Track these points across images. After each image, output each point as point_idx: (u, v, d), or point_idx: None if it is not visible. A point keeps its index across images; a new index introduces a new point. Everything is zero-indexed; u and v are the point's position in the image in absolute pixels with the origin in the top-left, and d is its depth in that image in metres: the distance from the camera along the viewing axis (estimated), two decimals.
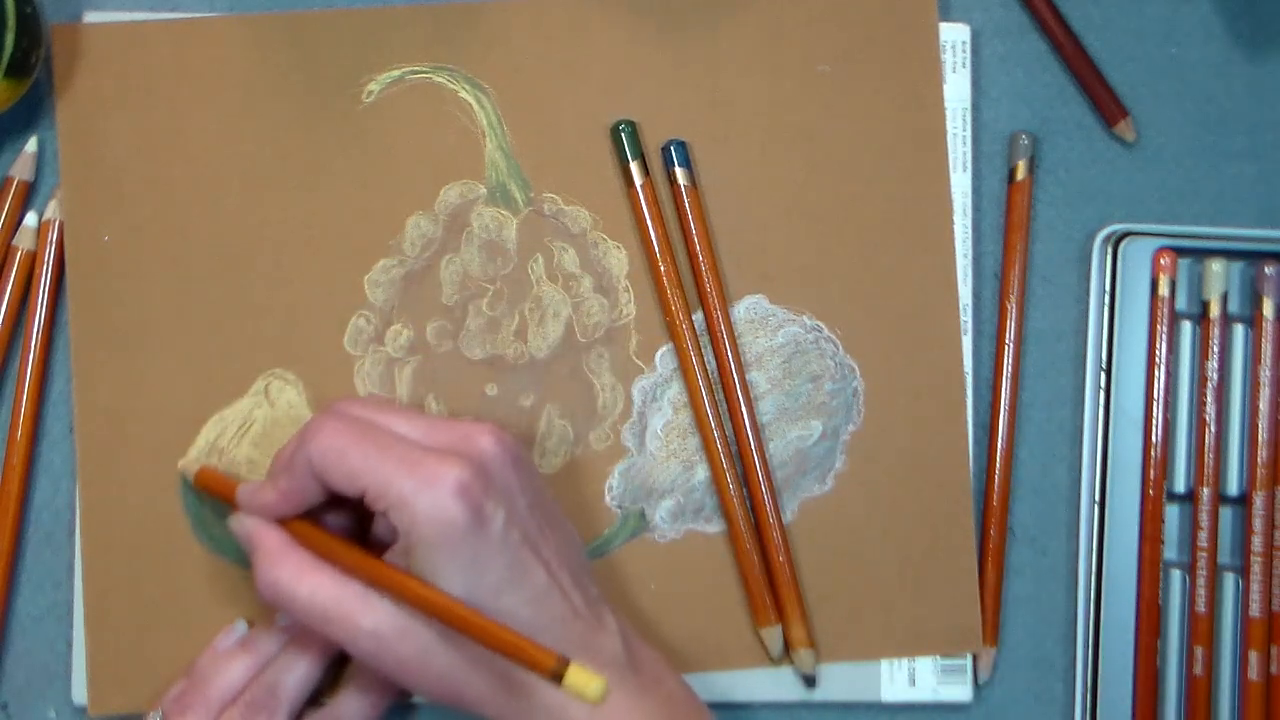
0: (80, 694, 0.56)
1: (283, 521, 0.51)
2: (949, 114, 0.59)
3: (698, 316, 0.58)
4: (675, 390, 0.58)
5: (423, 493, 0.46)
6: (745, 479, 0.57)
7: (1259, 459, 0.58)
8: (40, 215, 0.57)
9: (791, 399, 0.58)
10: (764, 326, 0.58)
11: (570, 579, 0.49)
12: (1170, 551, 0.58)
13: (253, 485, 0.51)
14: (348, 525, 0.52)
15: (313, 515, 0.51)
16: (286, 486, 0.50)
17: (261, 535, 0.50)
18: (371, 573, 0.48)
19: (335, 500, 0.50)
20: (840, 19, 0.59)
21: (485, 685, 0.48)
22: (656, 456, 0.58)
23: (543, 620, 0.48)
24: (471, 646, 0.47)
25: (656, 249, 0.57)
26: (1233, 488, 0.58)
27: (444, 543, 0.46)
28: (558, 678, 0.43)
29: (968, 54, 0.59)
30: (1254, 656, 0.57)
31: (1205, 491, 0.58)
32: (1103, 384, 0.59)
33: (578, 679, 0.42)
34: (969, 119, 0.59)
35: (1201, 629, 0.57)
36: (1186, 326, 0.59)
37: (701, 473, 0.57)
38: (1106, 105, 0.60)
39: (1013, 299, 0.59)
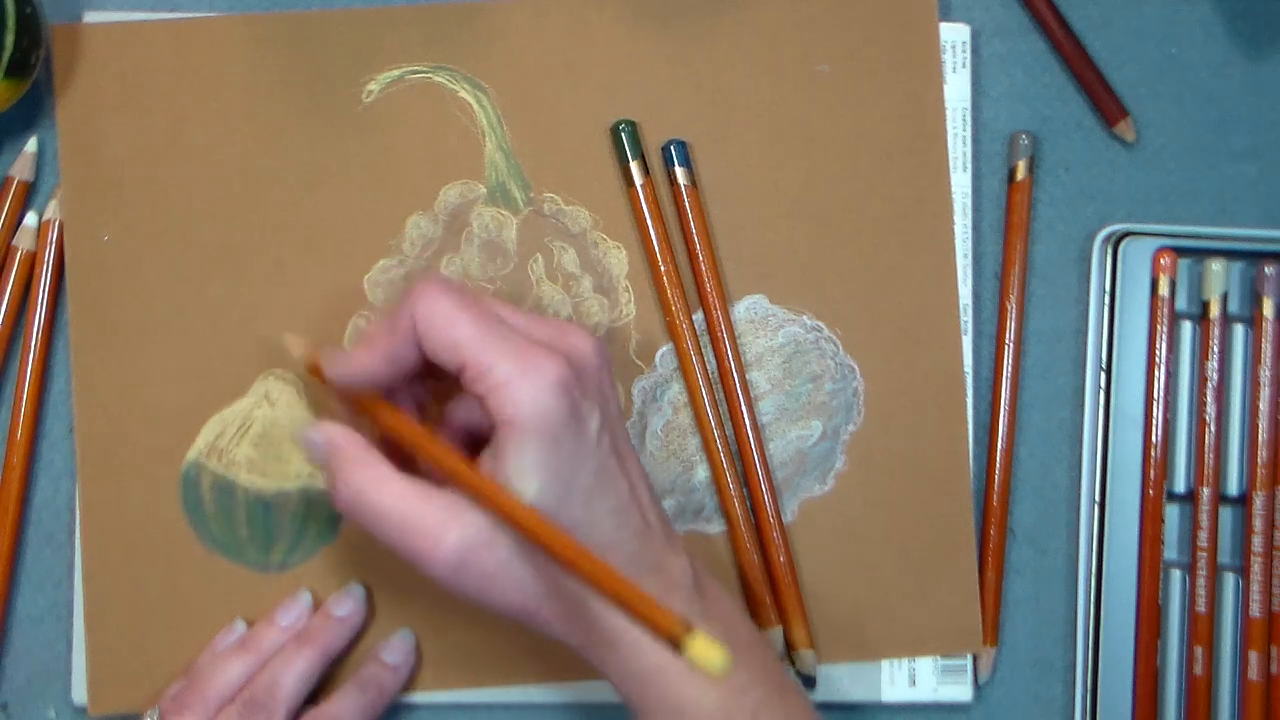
0: (80, 694, 0.56)
1: (376, 409, 0.48)
2: (949, 114, 0.59)
3: (698, 316, 0.58)
4: (675, 390, 0.58)
5: (526, 379, 0.45)
6: (745, 479, 0.57)
7: (1259, 459, 0.58)
8: (40, 215, 0.57)
9: (791, 399, 0.58)
10: (764, 326, 0.58)
11: (648, 494, 0.49)
12: (1170, 551, 0.58)
13: (343, 351, 0.49)
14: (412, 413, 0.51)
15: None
16: (387, 346, 0.47)
17: (344, 439, 0.48)
18: (470, 481, 0.45)
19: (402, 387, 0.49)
20: (840, 19, 0.59)
21: (561, 605, 0.47)
22: (656, 456, 0.58)
23: (624, 534, 0.47)
24: (553, 565, 0.45)
25: (656, 249, 0.57)
26: (1233, 488, 0.58)
27: (542, 437, 0.45)
28: (677, 645, 0.40)
29: (968, 54, 0.59)
30: (1254, 656, 0.57)
31: (1205, 491, 0.58)
32: (1103, 384, 0.59)
33: (702, 650, 0.39)
34: (969, 119, 0.59)
35: (1201, 629, 0.57)
36: (1186, 326, 0.59)
37: (701, 473, 0.57)
38: (1106, 105, 0.60)
39: (1013, 299, 0.59)
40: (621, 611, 0.43)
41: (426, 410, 0.52)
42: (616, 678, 0.48)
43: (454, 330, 0.46)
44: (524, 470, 0.45)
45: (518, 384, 0.45)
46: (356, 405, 0.49)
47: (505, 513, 0.45)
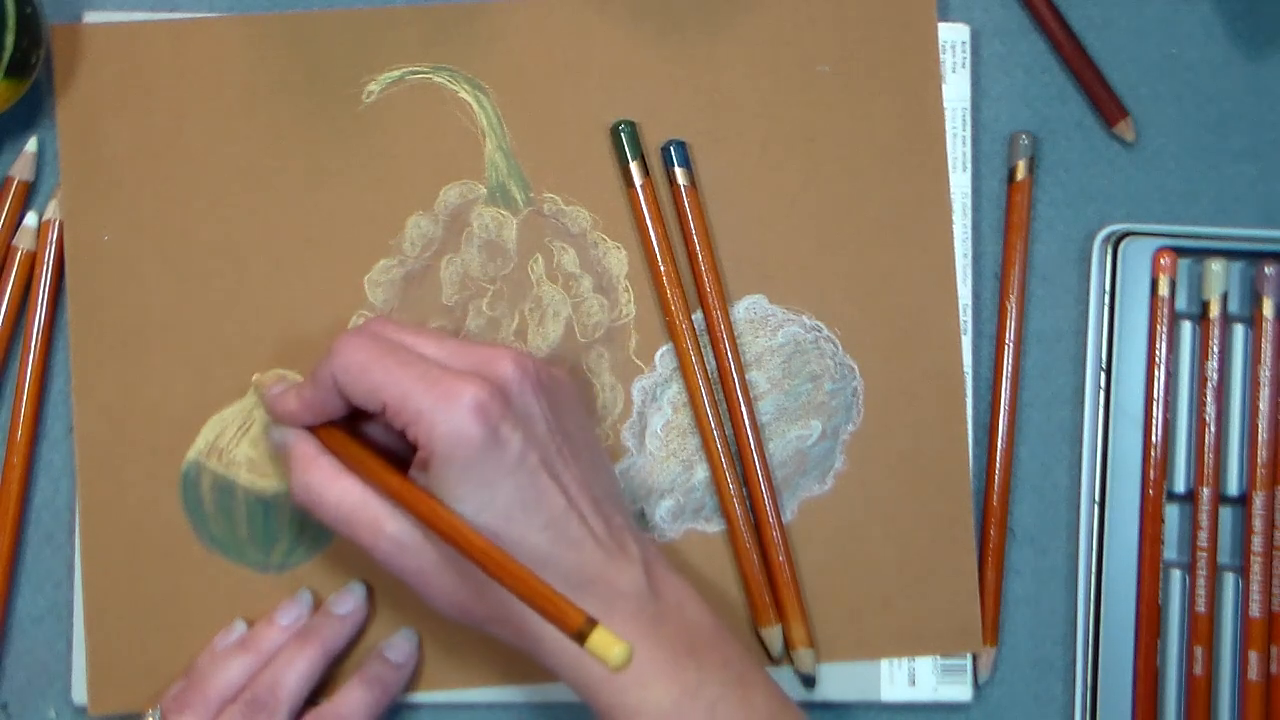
0: (80, 694, 0.56)
1: (316, 429, 0.52)
2: (949, 114, 0.59)
3: (697, 316, 0.58)
4: (675, 390, 0.58)
5: (440, 409, 0.47)
6: (745, 479, 0.57)
7: (1259, 459, 0.58)
8: (40, 215, 0.57)
9: (791, 399, 0.58)
10: (764, 326, 0.58)
11: (591, 506, 0.49)
12: (1170, 551, 0.58)
13: (279, 390, 0.53)
14: (390, 437, 0.52)
15: (354, 426, 0.52)
16: (310, 396, 0.51)
17: (295, 444, 0.52)
18: (389, 486, 0.48)
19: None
20: (840, 19, 0.59)
21: (493, 610, 0.49)
22: (656, 456, 0.58)
23: (558, 548, 0.48)
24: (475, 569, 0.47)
25: (656, 249, 0.57)
26: (1233, 488, 0.58)
27: (458, 460, 0.47)
28: (581, 638, 0.42)
29: (968, 54, 0.59)
30: (1254, 656, 0.57)
31: (1205, 491, 0.58)
32: (1103, 384, 0.59)
33: (600, 643, 0.41)
34: (969, 119, 0.59)
35: (1201, 629, 0.57)
36: (1186, 326, 0.59)
37: (701, 473, 0.57)
38: (1106, 105, 0.60)
39: (1013, 299, 0.59)
40: (529, 606, 0.44)
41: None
42: (570, 683, 0.49)
43: (368, 377, 0.49)
44: (444, 493, 0.47)
45: (431, 413, 0.47)
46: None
47: (418, 511, 0.47)
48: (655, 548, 0.51)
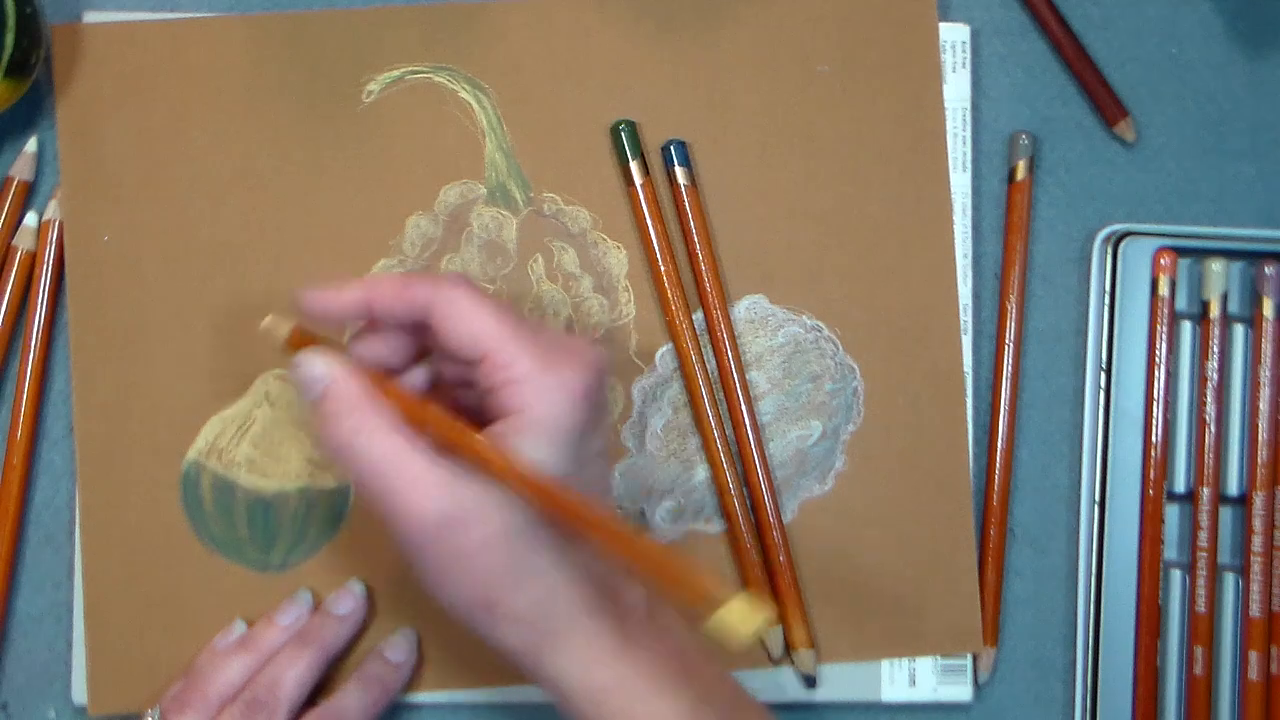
0: (80, 694, 0.56)
1: (383, 390, 0.46)
2: (949, 114, 0.59)
3: (698, 316, 0.58)
4: (675, 390, 0.58)
5: (551, 381, 0.45)
6: (745, 479, 0.57)
7: (1259, 459, 0.58)
8: (40, 215, 0.57)
9: (791, 399, 0.58)
10: (764, 326, 0.58)
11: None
12: (1170, 551, 0.58)
13: (319, 288, 0.47)
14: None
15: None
16: (383, 292, 0.46)
17: (340, 378, 0.46)
18: (490, 459, 0.44)
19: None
20: (840, 19, 0.59)
21: (524, 605, 0.46)
22: (656, 456, 0.58)
23: None
24: (535, 553, 0.45)
25: (656, 249, 0.57)
26: (1233, 488, 0.58)
27: (554, 437, 0.45)
28: (710, 608, 0.41)
29: (968, 54, 0.59)
30: (1254, 656, 0.57)
31: (1205, 491, 0.58)
32: (1103, 384, 0.59)
33: (739, 612, 0.41)
34: (969, 119, 0.59)
35: (1201, 629, 0.57)
36: (1186, 326, 0.59)
37: (701, 473, 0.57)
38: (1106, 105, 0.60)
39: (1013, 299, 0.59)
40: (650, 576, 0.43)
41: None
42: (568, 690, 0.46)
43: (480, 321, 0.46)
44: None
45: (539, 382, 0.45)
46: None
47: (519, 478, 0.44)
48: None
